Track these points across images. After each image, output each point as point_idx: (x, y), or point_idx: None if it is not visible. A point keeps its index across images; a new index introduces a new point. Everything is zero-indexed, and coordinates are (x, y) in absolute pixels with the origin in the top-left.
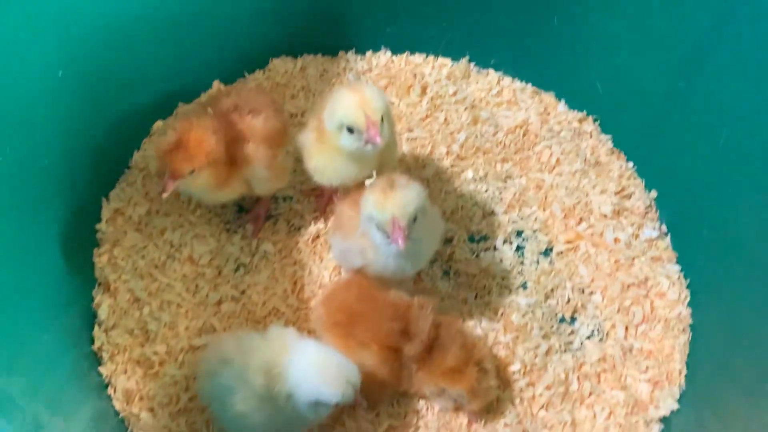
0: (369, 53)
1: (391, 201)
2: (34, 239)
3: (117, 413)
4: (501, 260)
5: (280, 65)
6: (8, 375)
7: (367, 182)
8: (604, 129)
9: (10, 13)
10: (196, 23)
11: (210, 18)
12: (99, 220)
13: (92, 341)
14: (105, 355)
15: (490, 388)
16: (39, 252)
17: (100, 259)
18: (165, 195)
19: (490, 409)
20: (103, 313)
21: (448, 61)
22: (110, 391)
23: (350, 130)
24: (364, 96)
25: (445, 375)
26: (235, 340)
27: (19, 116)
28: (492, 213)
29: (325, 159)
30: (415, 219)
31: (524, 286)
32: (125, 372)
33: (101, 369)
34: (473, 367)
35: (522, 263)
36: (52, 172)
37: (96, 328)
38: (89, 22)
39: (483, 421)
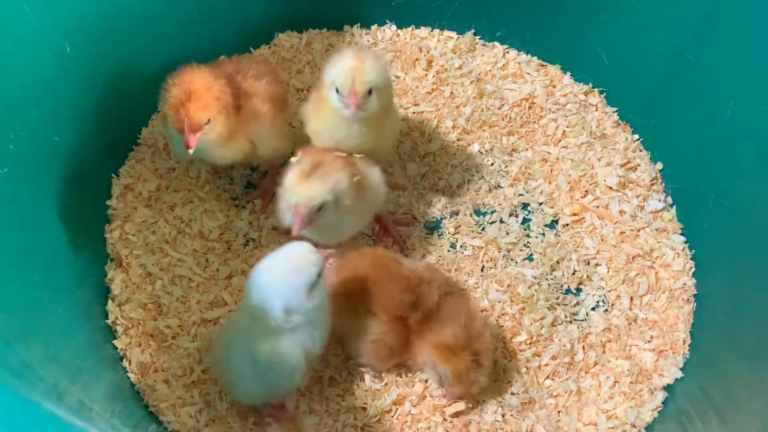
0: (374, 27)
1: (301, 188)
2: (46, 215)
3: (132, 385)
4: (507, 233)
5: (286, 40)
6: (27, 346)
7: (293, 159)
8: (610, 102)
9: None
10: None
11: None
12: (110, 196)
13: (106, 315)
14: (119, 329)
15: (478, 383)
16: (51, 228)
17: (112, 235)
18: (191, 150)
19: (472, 400)
20: (116, 288)
21: (453, 34)
22: (125, 363)
23: (337, 91)
24: (361, 65)
25: (437, 349)
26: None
27: (28, 92)
28: (498, 186)
29: (322, 120)
30: (320, 208)
31: (530, 258)
32: (139, 345)
33: (116, 342)
34: (468, 354)
35: (528, 236)
36: (62, 149)
37: (109, 302)
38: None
39: (452, 403)
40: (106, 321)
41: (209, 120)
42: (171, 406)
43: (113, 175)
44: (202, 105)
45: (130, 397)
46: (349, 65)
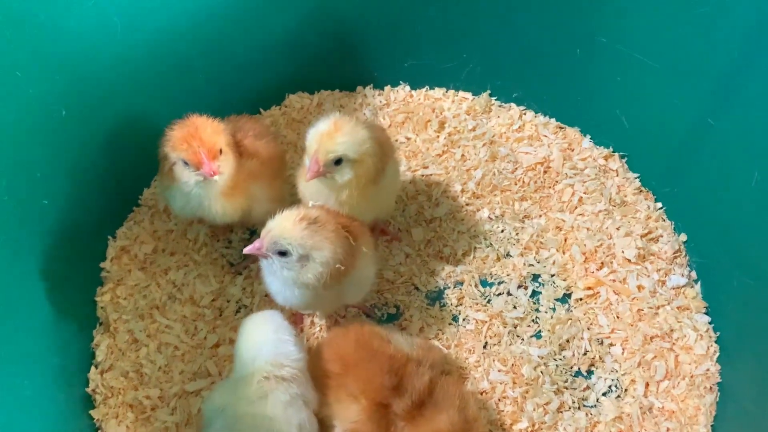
0: (387, 88)
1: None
2: (35, 278)
3: None
4: (514, 306)
5: (296, 101)
6: None
7: (310, 203)
8: (632, 167)
9: (15, 51)
10: (210, 60)
11: (224, 55)
12: (104, 258)
13: (86, 383)
14: (98, 398)
15: None
16: (40, 292)
17: (103, 299)
18: (217, 176)
19: None
20: (100, 353)
21: (468, 95)
22: None
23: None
24: (331, 133)
25: None
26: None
27: (14, 156)
28: (507, 255)
29: (305, 184)
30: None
31: (538, 335)
32: (116, 416)
33: (93, 412)
34: None
35: (537, 310)
36: (52, 212)
37: (92, 369)
38: (96, 61)
39: None
40: (86, 389)
41: (221, 150)
42: None
43: (110, 236)
44: (214, 131)
45: None
46: (317, 130)
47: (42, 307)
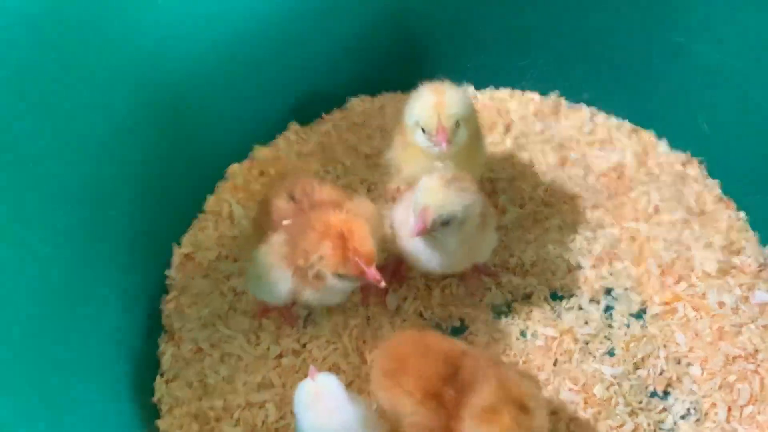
0: None
1: (438, 193)
2: (103, 289)
3: None
4: (586, 322)
5: (358, 104)
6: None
7: (437, 164)
8: (712, 173)
9: (85, 57)
10: (272, 64)
11: (287, 58)
12: (169, 265)
13: (152, 392)
14: (164, 408)
15: (537, 429)
16: (107, 302)
17: (167, 306)
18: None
19: None
20: (166, 362)
21: (536, 95)
22: None
23: (423, 129)
24: (443, 99)
25: (478, 417)
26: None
27: (87, 167)
28: (578, 267)
29: (414, 164)
30: (447, 222)
31: (611, 353)
32: (181, 427)
33: (159, 422)
34: (511, 405)
35: (610, 326)
36: (121, 220)
37: (158, 378)
38: (163, 67)
39: None
40: (152, 398)
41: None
42: None
43: (175, 243)
44: (365, 233)
45: None
46: (430, 102)
47: (110, 315)
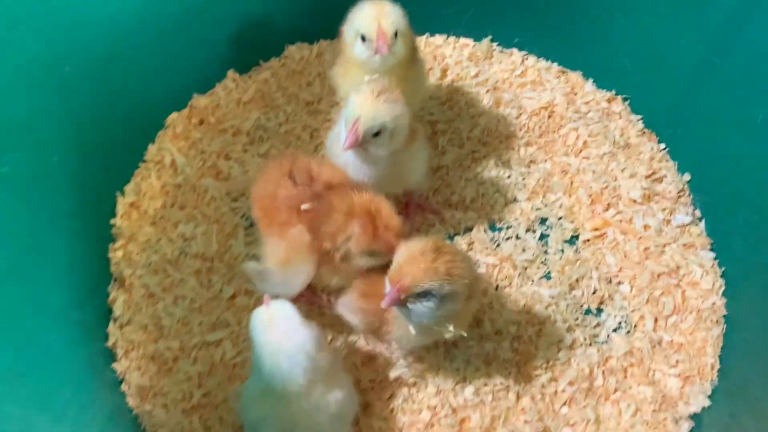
0: None
1: (369, 105)
2: (47, 237)
3: (131, 410)
4: (523, 249)
5: (296, 52)
6: (21, 377)
7: (366, 77)
8: (634, 109)
9: (14, 8)
10: (208, 12)
11: (223, 6)
12: (114, 215)
13: (106, 338)
14: (120, 352)
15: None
16: (51, 250)
17: (116, 254)
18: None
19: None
20: (118, 309)
21: (470, 41)
22: (124, 387)
23: (363, 39)
24: (382, 9)
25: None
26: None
27: (25, 115)
28: (514, 200)
29: (351, 81)
30: (377, 134)
31: (548, 276)
32: (139, 368)
33: (115, 366)
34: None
35: (546, 252)
36: (63, 169)
37: (111, 323)
38: (97, 14)
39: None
40: (106, 344)
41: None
42: None
43: (118, 192)
44: (391, 209)
45: (129, 422)
46: (370, 11)
47: (58, 264)
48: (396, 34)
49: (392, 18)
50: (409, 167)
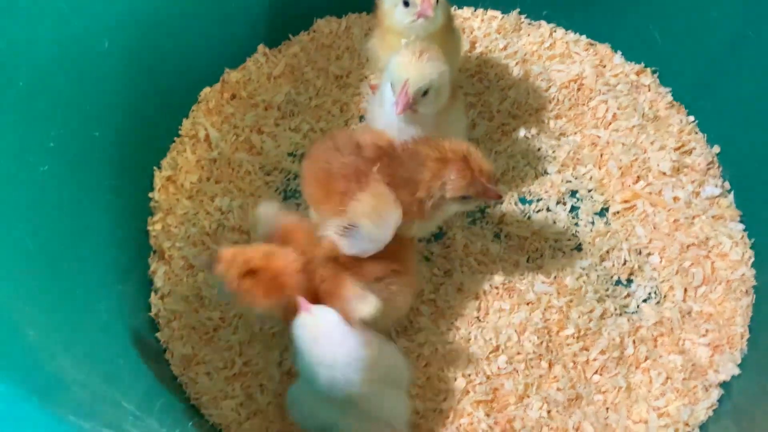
0: None
1: (414, 66)
2: (90, 210)
3: (175, 377)
4: (554, 222)
5: (325, 26)
6: (69, 360)
7: (403, 41)
8: (663, 81)
9: None
10: None
11: None
12: (152, 188)
13: (149, 308)
14: (162, 322)
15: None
16: (94, 223)
17: (155, 227)
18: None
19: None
20: (158, 280)
21: (497, 13)
22: (167, 356)
23: (405, 4)
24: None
25: None
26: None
27: (67, 91)
28: (545, 173)
29: (382, 42)
30: (425, 93)
31: (578, 248)
32: (181, 338)
33: (158, 335)
34: None
35: (576, 224)
36: (103, 144)
37: (152, 294)
38: None
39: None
40: (149, 313)
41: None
42: (212, 399)
43: (155, 167)
44: (481, 154)
45: (172, 390)
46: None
47: (100, 237)
48: (437, 1)
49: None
50: (452, 127)
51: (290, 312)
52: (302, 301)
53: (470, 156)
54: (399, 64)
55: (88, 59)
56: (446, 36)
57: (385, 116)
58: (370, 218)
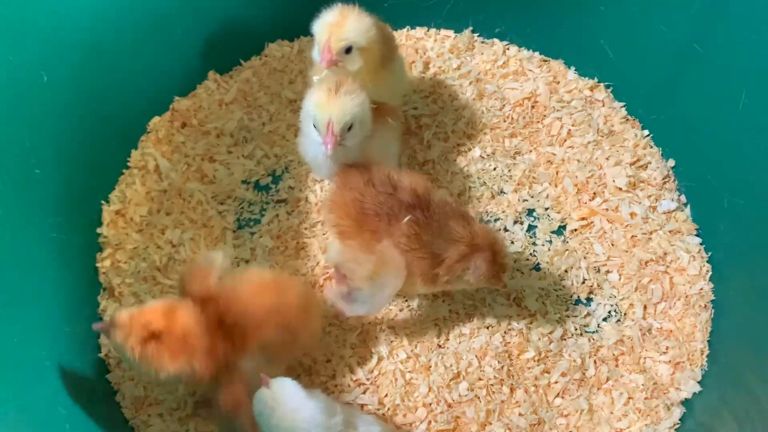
0: None
1: (333, 103)
2: (33, 251)
3: (126, 420)
4: (512, 242)
5: (276, 50)
6: (14, 388)
7: (315, 78)
8: (617, 96)
9: None
10: (185, 13)
11: (199, 7)
12: (100, 223)
13: (99, 349)
14: (112, 362)
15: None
16: (39, 264)
17: (104, 264)
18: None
19: None
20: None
21: (450, 33)
22: (119, 398)
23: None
24: (339, 22)
25: None
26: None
27: (2, 128)
28: (501, 192)
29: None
30: (350, 128)
31: (537, 267)
32: (132, 379)
33: (109, 377)
34: None
35: (534, 244)
36: (45, 181)
37: (102, 334)
38: (73, 21)
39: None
40: (99, 354)
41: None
42: None
43: (103, 201)
44: (504, 246)
45: None
46: (329, 20)
47: (46, 277)
48: (349, 50)
49: (347, 35)
50: (380, 151)
51: (200, 373)
52: (263, 376)
53: (497, 247)
54: (318, 105)
55: (24, 95)
56: (378, 72)
57: (312, 148)
58: (369, 285)
